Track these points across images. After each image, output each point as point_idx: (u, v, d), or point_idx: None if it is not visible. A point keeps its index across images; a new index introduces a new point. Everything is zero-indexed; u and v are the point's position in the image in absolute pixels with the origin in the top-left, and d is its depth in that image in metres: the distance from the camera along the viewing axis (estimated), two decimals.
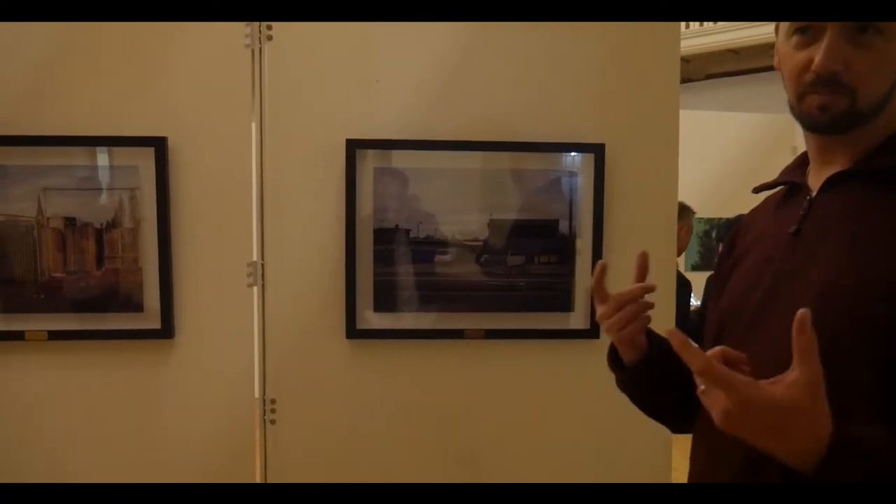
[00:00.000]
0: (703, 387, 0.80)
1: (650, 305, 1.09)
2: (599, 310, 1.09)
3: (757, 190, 1.13)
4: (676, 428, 1.19)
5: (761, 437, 0.79)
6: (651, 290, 1.07)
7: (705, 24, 7.51)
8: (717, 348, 0.86)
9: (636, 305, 1.07)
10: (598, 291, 1.09)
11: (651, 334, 1.13)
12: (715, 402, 0.79)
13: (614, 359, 1.16)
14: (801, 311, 0.75)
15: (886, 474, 0.78)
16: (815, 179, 1.00)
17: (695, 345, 0.79)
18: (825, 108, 0.93)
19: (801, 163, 1.06)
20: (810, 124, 0.96)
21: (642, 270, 1.09)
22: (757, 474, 0.86)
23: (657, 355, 1.11)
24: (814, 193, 0.99)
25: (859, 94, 0.91)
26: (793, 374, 0.77)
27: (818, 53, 0.91)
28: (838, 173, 0.96)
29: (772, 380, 0.78)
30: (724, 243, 1.16)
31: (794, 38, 0.95)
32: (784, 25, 0.98)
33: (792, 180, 1.05)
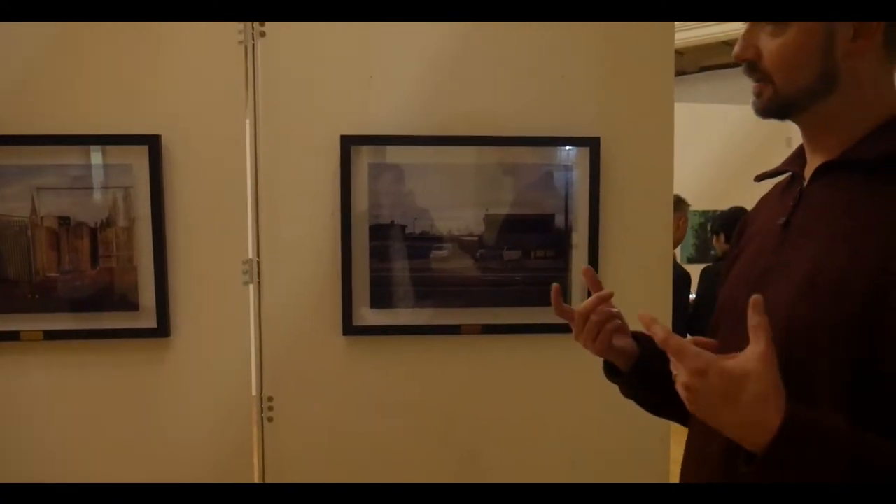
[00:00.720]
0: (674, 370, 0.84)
1: (614, 314, 1.12)
2: (573, 330, 1.14)
3: (759, 178, 1.13)
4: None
5: (717, 409, 0.81)
6: (606, 298, 1.11)
7: None
8: (690, 339, 0.89)
9: (598, 316, 1.11)
10: (561, 313, 1.14)
11: (640, 337, 1.15)
12: (679, 381, 0.83)
13: (611, 370, 1.17)
14: (754, 297, 0.80)
15: (839, 460, 0.78)
16: (809, 169, 1.00)
17: (661, 322, 0.84)
18: (758, 95, 0.97)
19: (802, 151, 1.05)
20: (755, 111, 0.99)
21: (594, 283, 1.14)
22: (736, 455, 0.86)
23: (649, 356, 1.12)
24: (805, 183, 0.99)
25: (776, 82, 0.94)
26: (746, 350, 0.80)
27: None
28: (824, 164, 0.96)
29: (727, 355, 0.82)
30: (735, 232, 1.17)
31: None
32: None
33: (791, 169, 1.05)
